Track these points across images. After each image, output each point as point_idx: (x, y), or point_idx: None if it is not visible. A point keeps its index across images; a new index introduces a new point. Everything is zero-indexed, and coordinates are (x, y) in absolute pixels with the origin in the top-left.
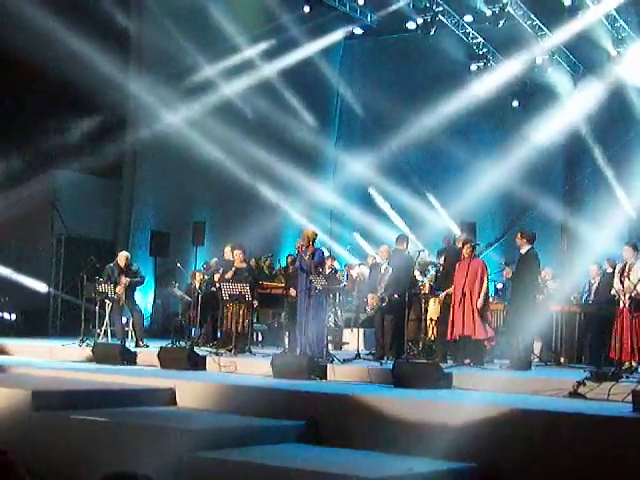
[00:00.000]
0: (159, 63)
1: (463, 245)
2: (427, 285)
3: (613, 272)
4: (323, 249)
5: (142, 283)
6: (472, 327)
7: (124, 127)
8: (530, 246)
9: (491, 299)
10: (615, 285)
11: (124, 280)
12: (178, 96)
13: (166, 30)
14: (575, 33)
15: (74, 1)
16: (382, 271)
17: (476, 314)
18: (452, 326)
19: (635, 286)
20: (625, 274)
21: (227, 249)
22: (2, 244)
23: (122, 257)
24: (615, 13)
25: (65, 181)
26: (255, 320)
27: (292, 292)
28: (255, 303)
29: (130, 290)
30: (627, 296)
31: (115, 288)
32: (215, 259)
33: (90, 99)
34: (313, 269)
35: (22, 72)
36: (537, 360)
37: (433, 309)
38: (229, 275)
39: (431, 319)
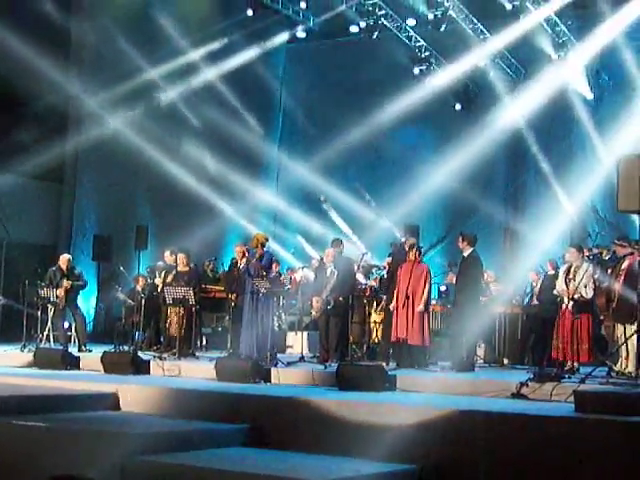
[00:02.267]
0: (101, 65)
1: (409, 249)
2: (369, 288)
3: (555, 274)
4: (271, 253)
5: (84, 287)
6: (410, 332)
7: (65, 130)
8: (472, 249)
9: (434, 302)
10: (558, 286)
11: (65, 283)
12: (120, 99)
13: (108, 32)
14: (516, 37)
15: (14, 2)
16: (328, 274)
17: (416, 319)
18: (395, 328)
19: (577, 288)
20: (570, 276)
21: (166, 253)
22: None
23: (64, 260)
24: (556, 17)
25: (5, 185)
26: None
27: (233, 297)
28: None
29: (73, 294)
30: (570, 298)
31: (57, 292)
32: (160, 263)
33: (30, 102)
34: (259, 272)
35: None
36: (481, 362)
37: (377, 312)
38: (170, 278)
39: (375, 322)
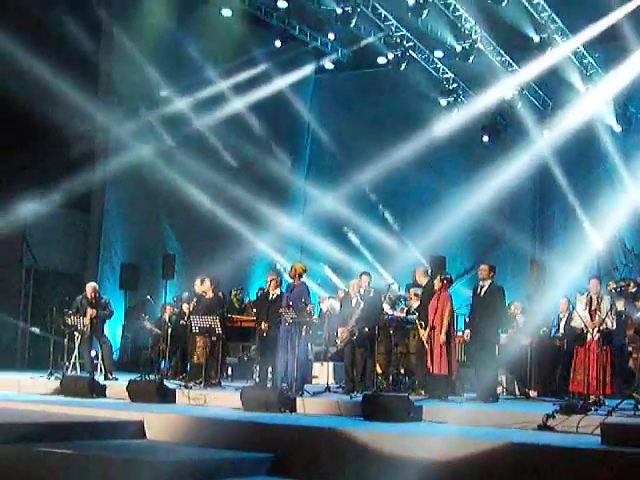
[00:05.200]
0: (129, 95)
1: (434, 279)
2: (396, 319)
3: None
4: (307, 285)
5: (110, 316)
6: (435, 362)
7: (93, 159)
8: (493, 279)
9: (460, 332)
10: (581, 318)
11: (90, 311)
12: (148, 128)
13: (136, 62)
14: (544, 69)
15: (44, 32)
16: (353, 305)
17: (438, 349)
18: (426, 360)
19: (603, 320)
20: (594, 307)
21: (197, 282)
22: None
23: (89, 288)
24: (583, 50)
25: (35, 213)
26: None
27: (264, 326)
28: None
29: (99, 323)
30: (596, 329)
31: (84, 320)
32: (186, 293)
33: (59, 131)
34: (290, 302)
35: None
36: (506, 393)
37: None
38: (191, 306)
39: (401, 352)
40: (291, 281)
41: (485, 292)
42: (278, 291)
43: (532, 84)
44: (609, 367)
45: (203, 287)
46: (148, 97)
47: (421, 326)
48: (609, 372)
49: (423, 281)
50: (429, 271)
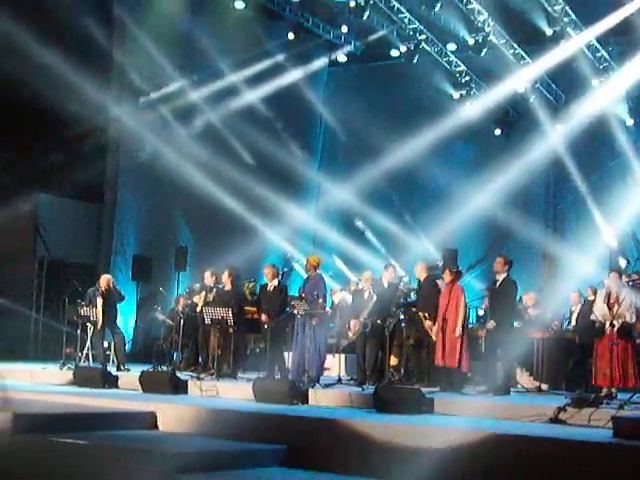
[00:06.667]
0: (142, 87)
1: (444, 271)
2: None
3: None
4: (323, 277)
5: (121, 300)
6: (448, 355)
7: (105, 151)
8: (508, 272)
9: (471, 325)
10: (600, 311)
11: (99, 300)
12: (161, 120)
13: (149, 54)
14: (557, 63)
15: (57, 25)
16: (365, 297)
17: (449, 343)
18: (434, 352)
19: (619, 313)
20: (613, 301)
21: (207, 273)
22: None
23: (104, 280)
24: (596, 43)
25: (48, 204)
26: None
27: (263, 318)
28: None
29: (112, 314)
30: (611, 322)
31: (96, 311)
32: (198, 284)
33: (73, 122)
34: (302, 295)
35: (5, 95)
36: (518, 386)
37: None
38: (211, 297)
39: (411, 345)
40: (306, 274)
41: (499, 285)
42: (276, 282)
43: (545, 77)
44: (630, 360)
45: (212, 280)
46: (161, 89)
47: (425, 317)
48: (630, 365)
49: (422, 276)
50: (439, 264)
